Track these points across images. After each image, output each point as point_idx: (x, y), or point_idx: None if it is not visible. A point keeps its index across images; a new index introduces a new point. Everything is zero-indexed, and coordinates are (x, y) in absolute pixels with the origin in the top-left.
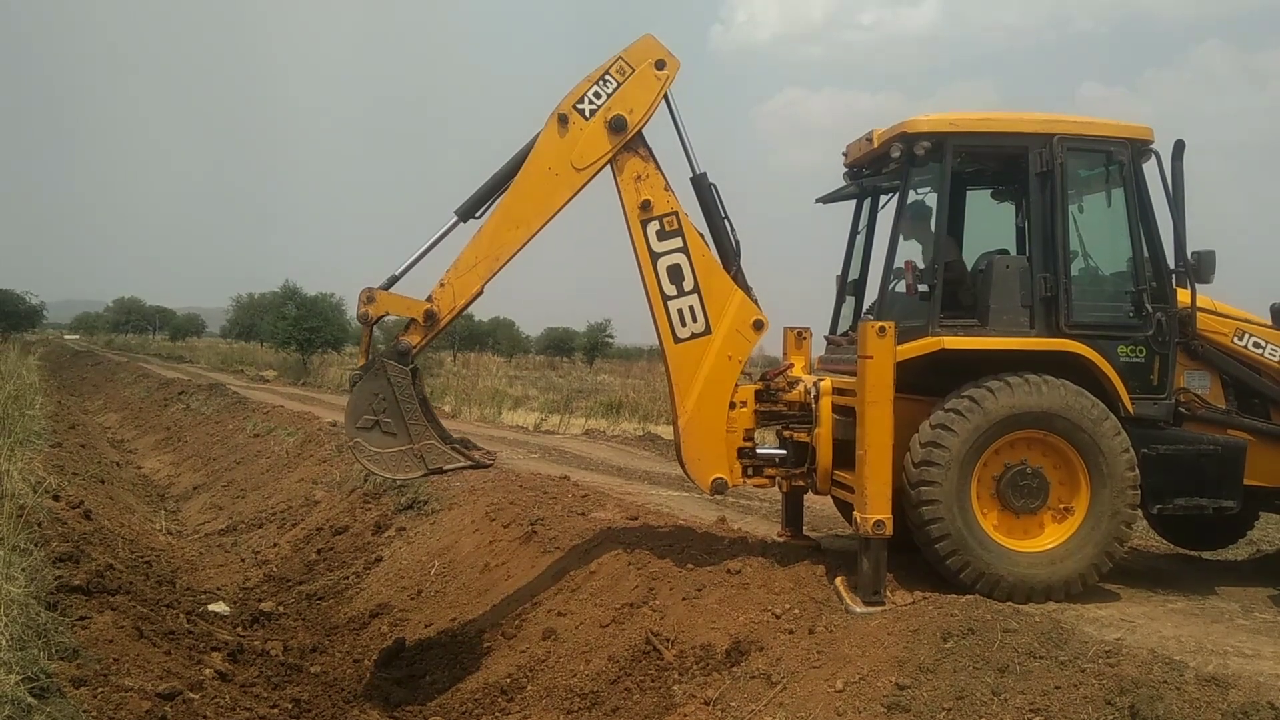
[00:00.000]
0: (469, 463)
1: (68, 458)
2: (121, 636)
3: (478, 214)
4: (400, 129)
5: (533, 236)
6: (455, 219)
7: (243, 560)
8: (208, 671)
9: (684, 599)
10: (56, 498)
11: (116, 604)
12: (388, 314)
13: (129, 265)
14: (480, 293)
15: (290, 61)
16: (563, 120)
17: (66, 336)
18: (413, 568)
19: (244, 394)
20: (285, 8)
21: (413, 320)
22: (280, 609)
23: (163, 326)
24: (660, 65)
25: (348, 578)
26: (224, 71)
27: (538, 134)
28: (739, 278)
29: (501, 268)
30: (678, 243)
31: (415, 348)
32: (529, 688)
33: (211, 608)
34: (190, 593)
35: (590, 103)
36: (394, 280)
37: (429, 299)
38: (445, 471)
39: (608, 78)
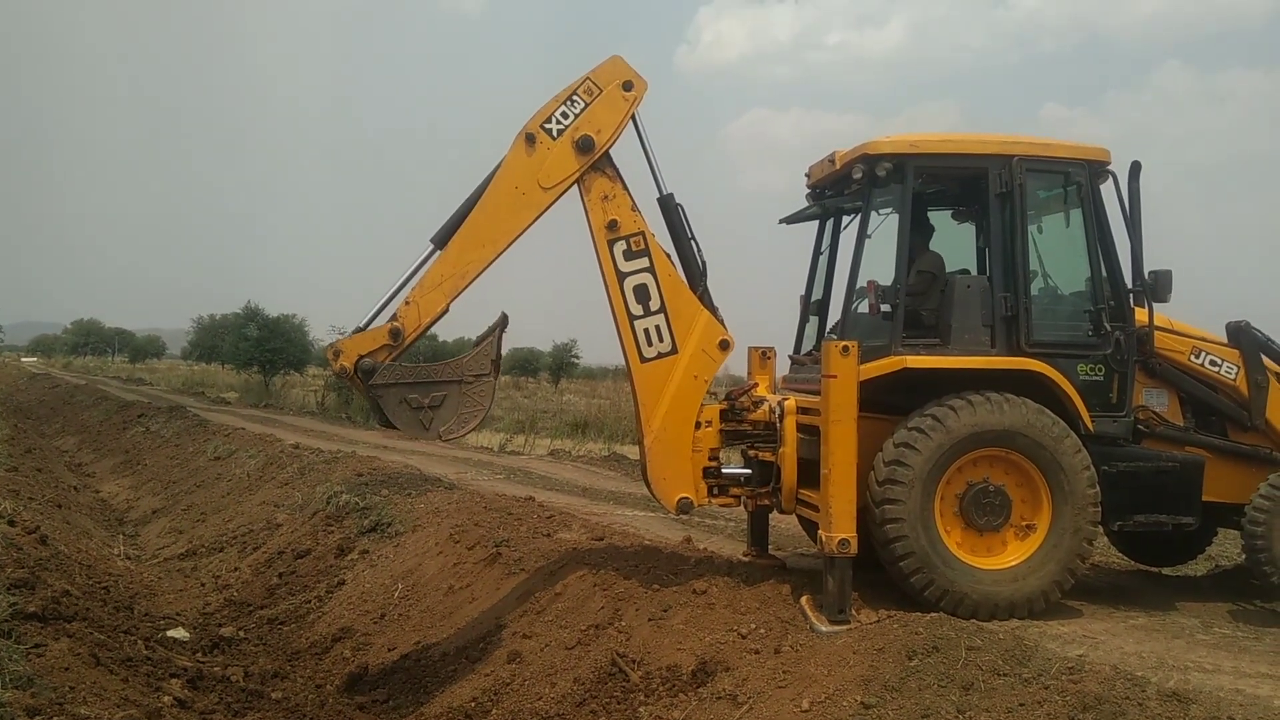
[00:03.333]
0: (494, 334)
1: (23, 482)
2: (77, 664)
3: None
4: (365, 143)
5: (499, 255)
6: (431, 247)
7: (203, 585)
8: (166, 699)
9: (650, 620)
10: (12, 523)
11: (72, 631)
12: (364, 356)
13: (87, 286)
14: (446, 311)
15: (249, 78)
16: (530, 139)
17: (24, 359)
18: (376, 591)
19: (205, 416)
20: (246, 24)
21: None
22: (241, 634)
23: (122, 348)
24: (628, 86)
25: (310, 602)
26: (182, 88)
27: (505, 154)
28: (705, 298)
29: (467, 286)
30: (644, 262)
31: (382, 365)
32: (494, 711)
33: (170, 634)
34: (149, 618)
35: (558, 123)
36: (360, 329)
37: (394, 317)
38: (498, 363)
39: (575, 98)
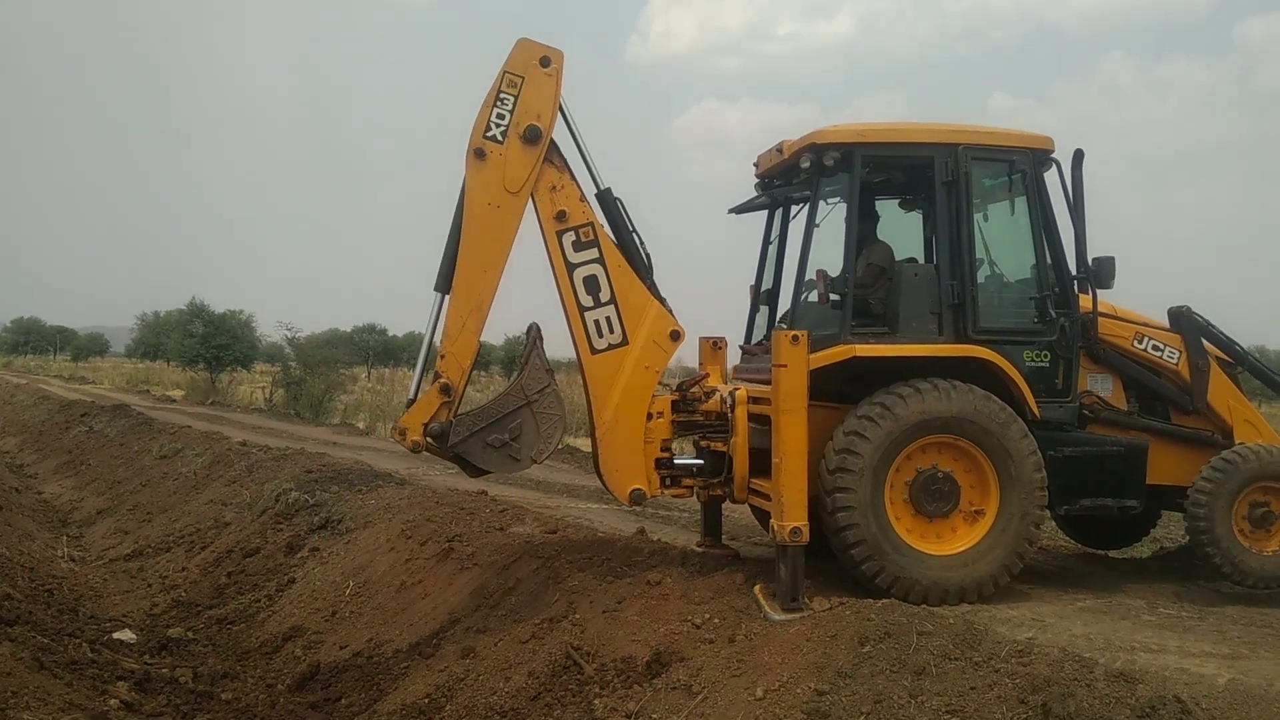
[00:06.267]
0: (535, 346)
1: None
2: (20, 668)
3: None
4: (311, 135)
5: (502, 273)
6: (439, 295)
7: (150, 586)
8: (113, 702)
9: (604, 612)
10: None
11: (15, 635)
12: (428, 423)
13: (26, 284)
14: (480, 345)
15: (191, 69)
16: (479, 154)
17: None
18: (327, 589)
19: (150, 415)
20: (189, 14)
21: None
22: (189, 635)
23: (64, 347)
24: (545, 62)
25: (259, 600)
26: (119, 73)
27: (464, 180)
28: (653, 290)
29: (488, 313)
30: (594, 253)
31: (448, 420)
32: (448, 707)
33: (117, 636)
34: (94, 621)
35: (497, 126)
36: (412, 402)
37: (436, 375)
38: (551, 372)
39: (503, 96)
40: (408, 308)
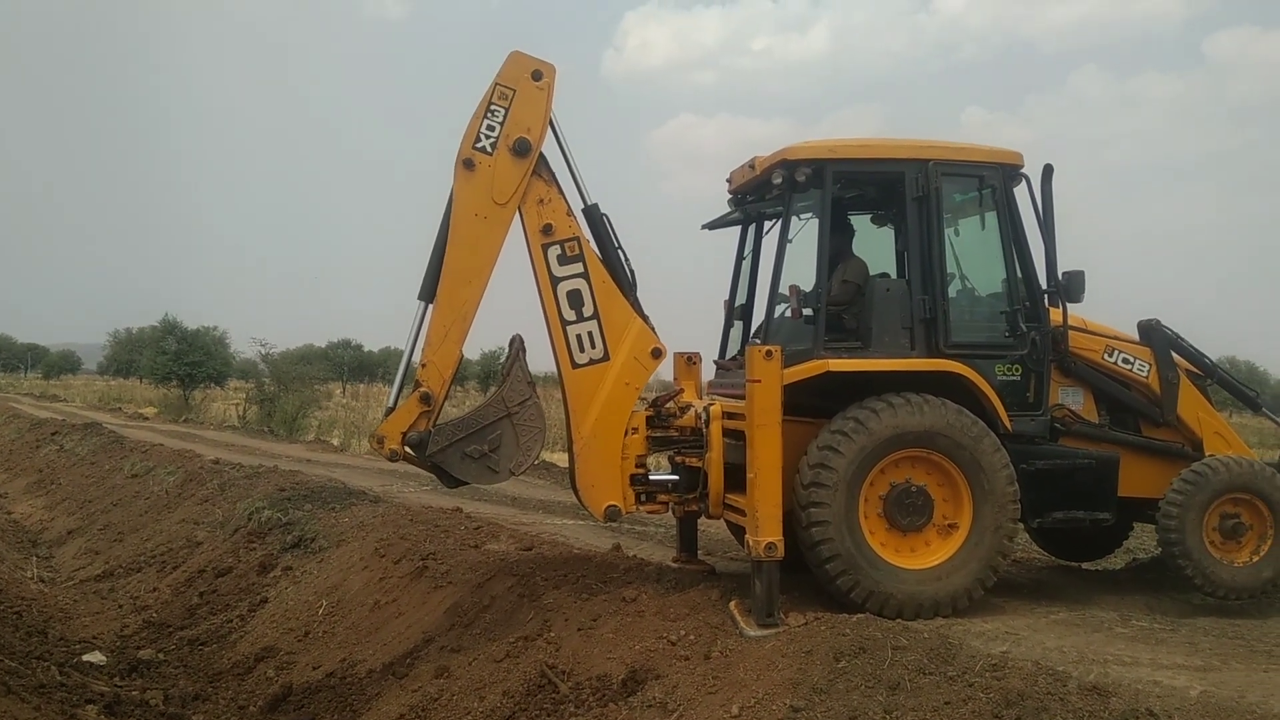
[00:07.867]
0: (518, 358)
1: None
2: None
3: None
4: (286, 150)
5: (487, 283)
6: (422, 304)
7: (120, 606)
8: None
9: (579, 630)
10: None
11: None
12: (407, 432)
13: None
14: (461, 356)
15: (164, 83)
16: (468, 165)
17: None
18: (300, 608)
19: (121, 433)
20: (163, 27)
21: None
22: (160, 656)
23: (35, 364)
24: (537, 76)
25: (232, 621)
26: (95, 87)
27: (451, 190)
28: (635, 307)
29: (471, 324)
30: (578, 268)
31: (427, 429)
32: None
33: (86, 658)
34: (64, 643)
35: (487, 137)
36: (391, 410)
37: (417, 384)
38: (532, 384)
39: (494, 107)
40: (383, 322)
